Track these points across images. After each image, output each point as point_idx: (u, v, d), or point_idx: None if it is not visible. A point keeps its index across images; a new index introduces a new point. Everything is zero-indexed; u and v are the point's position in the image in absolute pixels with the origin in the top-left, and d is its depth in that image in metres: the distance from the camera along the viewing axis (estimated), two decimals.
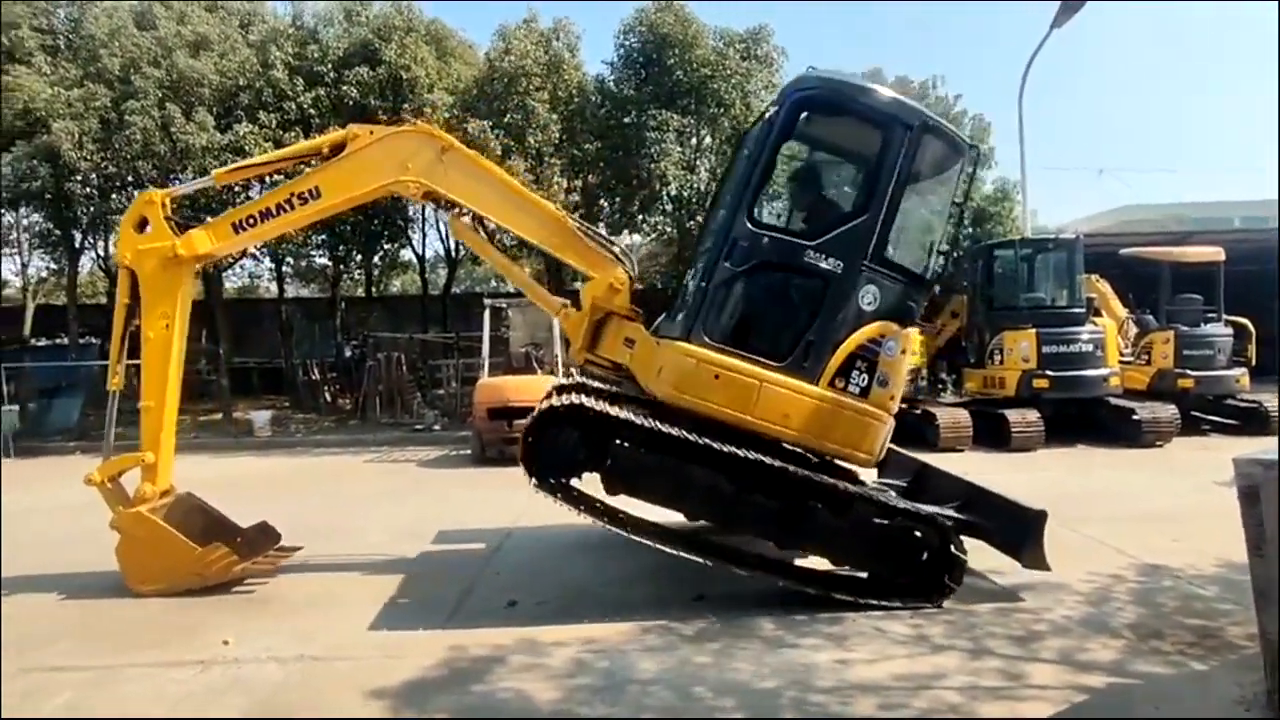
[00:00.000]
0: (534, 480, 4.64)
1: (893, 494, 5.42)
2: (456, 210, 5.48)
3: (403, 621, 4.59)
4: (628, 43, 14.70)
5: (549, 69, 14.40)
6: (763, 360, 4.73)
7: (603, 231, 5.95)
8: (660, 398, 4.85)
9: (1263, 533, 3.03)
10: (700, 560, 4.61)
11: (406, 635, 4.38)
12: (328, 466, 11.54)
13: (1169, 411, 10.94)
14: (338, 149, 5.33)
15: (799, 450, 4.84)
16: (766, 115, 5.18)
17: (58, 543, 6.96)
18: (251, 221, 5.33)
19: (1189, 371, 11.95)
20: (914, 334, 5.02)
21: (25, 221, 18.44)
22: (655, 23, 14.16)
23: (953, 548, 4.62)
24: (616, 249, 5.41)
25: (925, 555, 4.67)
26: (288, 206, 5.28)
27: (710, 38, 14.34)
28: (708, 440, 4.52)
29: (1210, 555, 5.40)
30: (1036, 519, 4.78)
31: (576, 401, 4.63)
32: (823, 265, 4.74)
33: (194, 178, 13.54)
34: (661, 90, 14.16)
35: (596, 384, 5.73)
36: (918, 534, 4.66)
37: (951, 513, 5.19)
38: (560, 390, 5.61)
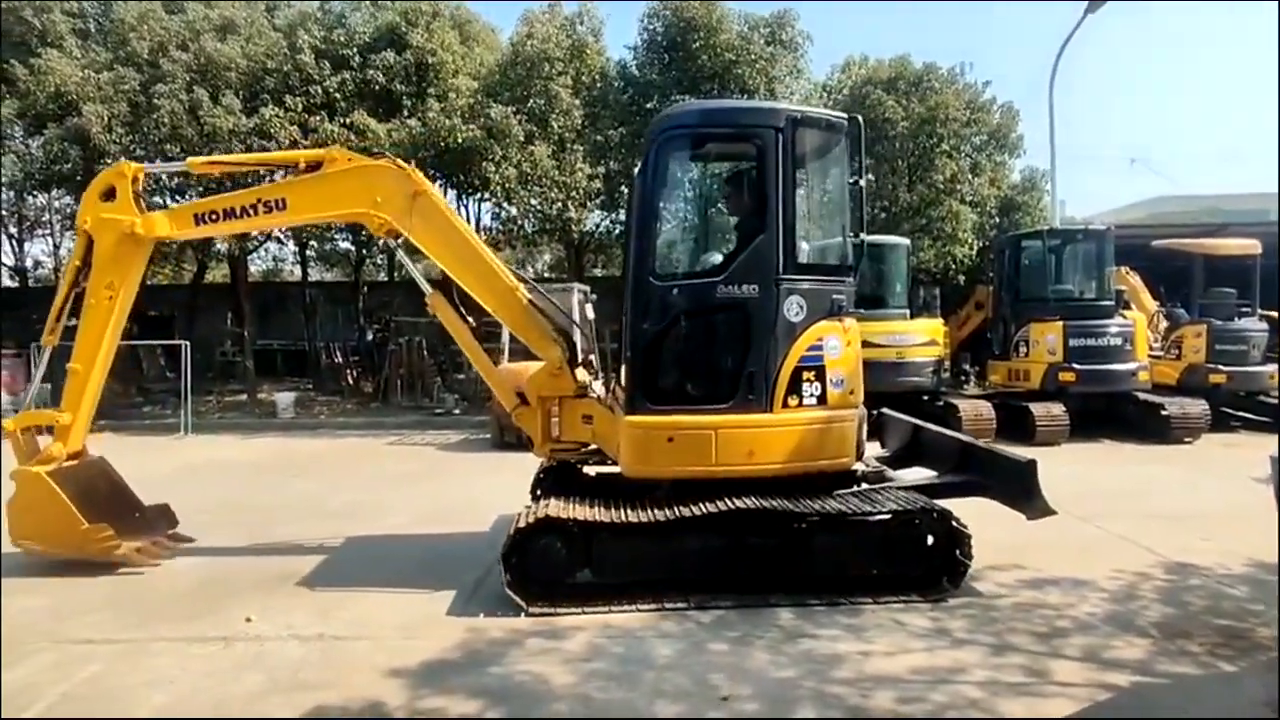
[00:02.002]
0: (524, 602, 4.36)
1: (886, 472, 5.41)
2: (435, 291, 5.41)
3: (421, 603, 4.63)
4: (651, 27, 14.55)
5: (572, 54, 14.32)
6: (710, 407, 4.66)
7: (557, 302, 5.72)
8: (625, 474, 4.84)
9: None
10: (717, 609, 4.44)
11: (425, 616, 4.42)
12: (349, 448, 11.66)
13: (1199, 407, 10.70)
14: (313, 166, 5.29)
15: (783, 479, 4.72)
16: (639, 166, 5.03)
17: None
18: (214, 217, 5.35)
19: (1221, 367, 11.67)
20: (852, 323, 4.92)
21: (56, 204, 18.77)
22: (680, 7, 13.99)
23: (954, 524, 4.57)
24: (561, 321, 5.27)
25: (931, 540, 4.64)
26: (252, 211, 5.28)
27: (735, 22, 14.16)
28: (679, 509, 4.46)
29: (1241, 554, 5.29)
30: (1028, 468, 4.77)
31: (543, 515, 4.46)
32: (738, 294, 4.66)
33: None
34: (685, 76, 14.01)
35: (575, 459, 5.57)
36: (917, 523, 4.62)
37: (945, 481, 5.22)
38: (537, 485, 5.67)
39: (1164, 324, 13.22)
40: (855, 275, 5.10)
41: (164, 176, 13.14)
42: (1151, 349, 12.47)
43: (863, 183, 4.99)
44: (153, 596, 4.84)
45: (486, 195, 15.46)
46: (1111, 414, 11.25)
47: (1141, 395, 11.12)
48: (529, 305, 5.25)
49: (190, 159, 5.72)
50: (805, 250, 4.92)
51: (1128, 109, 73.26)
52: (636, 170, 5.09)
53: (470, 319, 5.53)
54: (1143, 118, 72.66)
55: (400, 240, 5.34)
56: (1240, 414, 12.15)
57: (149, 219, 5.31)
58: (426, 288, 5.54)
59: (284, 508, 7.43)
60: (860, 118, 5.05)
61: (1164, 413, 10.55)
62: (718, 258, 5.09)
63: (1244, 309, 12.21)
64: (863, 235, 5.05)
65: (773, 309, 4.66)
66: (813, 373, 4.72)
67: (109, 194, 5.32)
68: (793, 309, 4.69)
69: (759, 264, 4.68)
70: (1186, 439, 10.56)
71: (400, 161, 5.32)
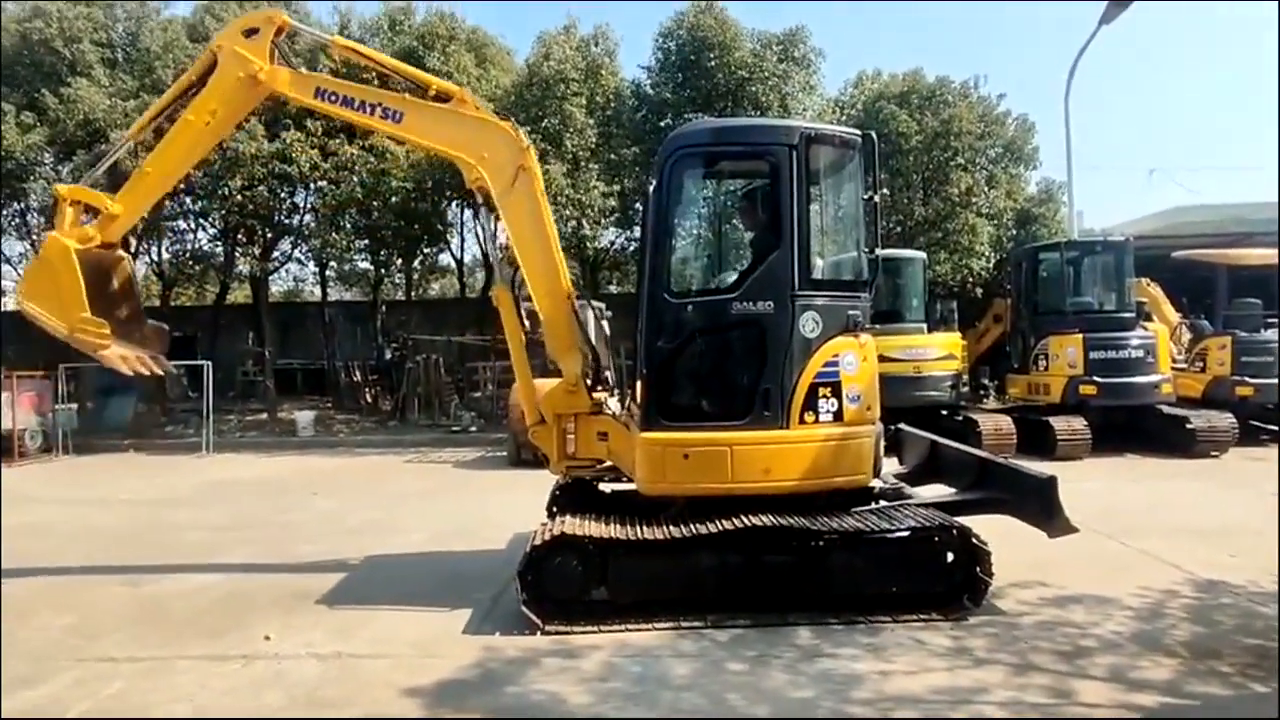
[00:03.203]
0: (540, 620, 4.36)
1: (905, 489, 5.36)
2: (510, 281, 5.42)
3: (439, 621, 4.63)
4: (666, 46, 14.71)
5: (587, 74, 14.49)
6: (725, 424, 4.65)
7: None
8: (640, 491, 4.83)
9: None
10: (734, 628, 4.40)
11: (442, 635, 4.42)
12: (367, 466, 11.76)
13: (1226, 420, 10.53)
14: (440, 97, 5.35)
15: (800, 497, 4.68)
16: (652, 185, 5.04)
17: (114, 535, 7.22)
18: (333, 98, 5.38)
19: (1248, 379, 11.48)
20: (868, 338, 4.89)
21: None
22: (695, 24, 14.14)
23: (974, 541, 4.52)
24: (592, 337, 5.30)
25: (950, 557, 4.59)
26: (369, 109, 5.31)
27: (748, 40, 14.28)
28: (694, 526, 4.44)
29: (1272, 571, 5.17)
30: (1048, 485, 4.72)
31: (559, 532, 4.47)
32: (753, 310, 4.65)
33: (242, 185, 13.98)
34: (699, 94, 14.14)
35: (591, 476, 5.57)
36: (936, 540, 4.58)
37: (965, 498, 5.16)
38: (553, 503, 5.68)
39: (1187, 336, 13.05)
40: (871, 290, 5.09)
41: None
42: (1175, 361, 12.29)
43: (877, 198, 4.98)
44: (175, 614, 4.90)
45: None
46: (1135, 428, 11.10)
47: (1166, 408, 10.96)
48: (572, 313, 5.27)
49: (336, 38, 5.74)
50: (820, 266, 4.93)
51: (1148, 118, 72.77)
52: (650, 188, 5.12)
53: (527, 322, 5.48)
54: (1163, 127, 72.12)
55: (484, 202, 5.35)
56: (1270, 427, 11.93)
57: (275, 70, 5.35)
58: (501, 273, 5.57)
59: (303, 525, 7.49)
60: (874, 134, 5.06)
61: (1189, 426, 10.39)
62: (732, 274, 5.11)
63: (1270, 319, 12.03)
64: (878, 250, 5.04)
65: (788, 325, 4.65)
66: (829, 389, 4.69)
67: (249, 33, 5.37)
68: (808, 325, 4.68)
69: (773, 280, 4.69)
70: (1213, 453, 10.38)
71: (520, 131, 5.31)
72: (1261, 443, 11.60)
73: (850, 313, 4.83)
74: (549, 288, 5.20)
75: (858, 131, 5.12)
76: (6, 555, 6.20)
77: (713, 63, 13.87)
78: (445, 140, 5.35)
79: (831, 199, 5.33)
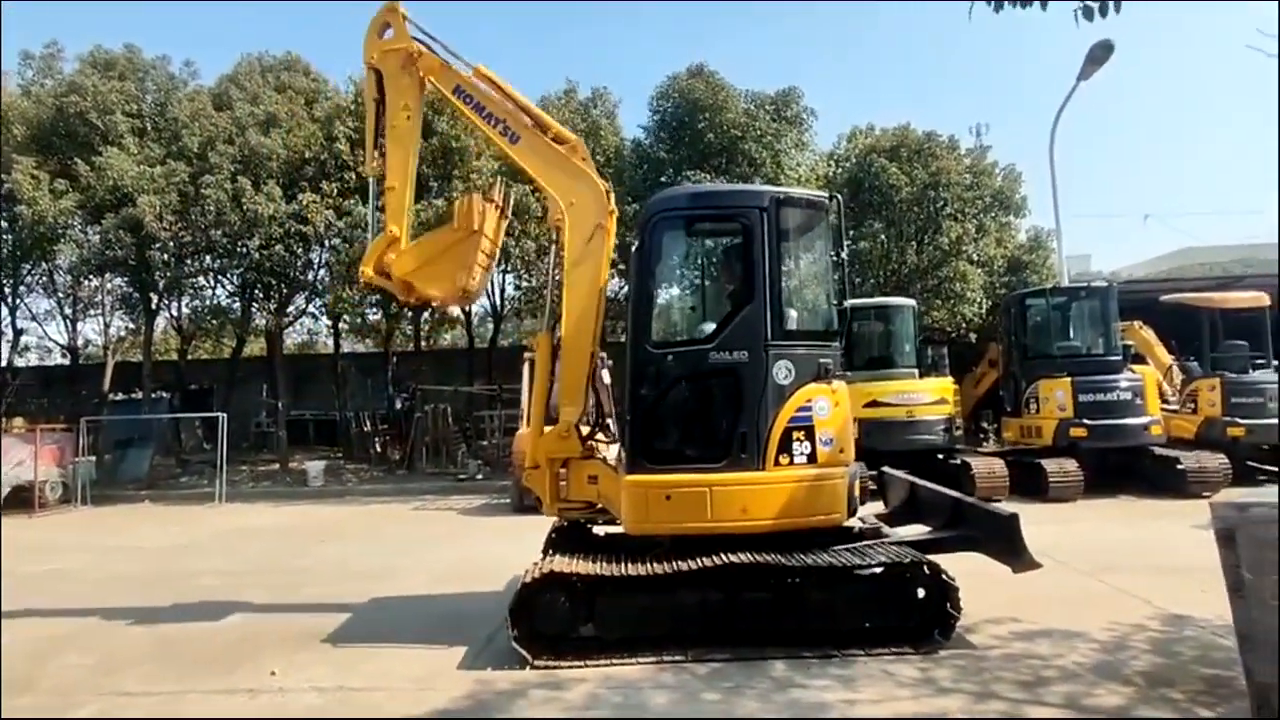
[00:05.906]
0: (530, 655, 4.60)
1: (883, 529, 5.59)
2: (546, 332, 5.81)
3: (436, 657, 4.88)
4: (662, 108, 15.43)
5: (587, 135, 15.19)
6: (704, 466, 4.96)
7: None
8: (627, 531, 5.14)
9: (1241, 575, 3.15)
10: (714, 661, 4.61)
11: (438, 670, 4.67)
12: (375, 514, 12.04)
13: (1217, 460, 10.65)
14: (558, 140, 5.81)
15: (778, 535, 4.92)
16: (634, 245, 5.42)
17: (133, 581, 7.53)
18: (468, 99, 5.90)
19: (1239, 420, 11.63)
20: (840, 385, 5.19)
21: (109, 285, 19.99)
22: (686, 89, 14.87)
23: (944, 577, 4.74)
24: (600, 388, 5.66)
25: (922, 593, 4.81)
26: (494, 120, 5.81)
27: (741, 100, 14.96)
28: (676, 563, 4.71)
29: None
30: (1011, 522, 4.97)
31: (548, 570, 4.73)
32: (729, 360, 5.00)
33: (261, 245, 14.64)
34: (695, 152, 14.77)
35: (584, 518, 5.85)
36: (908, 576, 4.81)
37: (938, 536, 5.40)
38: (549, 544, 5.90)
39: (1180, 377, 13.24)
40: (842, 340, 5.43)
41: None
42: (1168, 403, 12.47)
43: (844, 255, 5.37)
44: (188, 653, 5.18)
45: (508, 267, 16.22)
46: (1128, 469, 11.23)
47: (1158, 450, 11.11)
48: (590, 368, 5.58)
49: (478, 65, 6.11)
50: (792, 318, 5.27)
51: (1157, 162, 73.74)
52: (633, 249, 5.54)
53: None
54: (1170, 171, 73.00)
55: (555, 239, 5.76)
56: (1266, 467, 12.01)
57: (428, 55, 5.88)
58: (547, 318, 5.96)
59: (312, 570, 7.77)
60: (840, 196, 5.47)
61: (1180, 467, 10.52)
62: (710, 326, 5.48)
63: (1258, 360, 12.23)
64: (847, 302, 5.41)
65: (762, 373, 4.98)
66: (802, 433, 4.99)
67: (383, 31, 5.94)
68: (781, 373, 5.01)
69: (748, 331, 5.03)
70: (1205, 493, 10.44)
71: (612, 194, 5.69)
72: (1259, 483, 11.66)
73: (822, 361, 5.15)
74: (578, 339, 5.52)
75: (824, 194, 5.55)
76: (34, 600, 6.55)
77: (704, 124, 14.52)
78: (545, 175, 5.78)
79: (803, 255, 5.73)
